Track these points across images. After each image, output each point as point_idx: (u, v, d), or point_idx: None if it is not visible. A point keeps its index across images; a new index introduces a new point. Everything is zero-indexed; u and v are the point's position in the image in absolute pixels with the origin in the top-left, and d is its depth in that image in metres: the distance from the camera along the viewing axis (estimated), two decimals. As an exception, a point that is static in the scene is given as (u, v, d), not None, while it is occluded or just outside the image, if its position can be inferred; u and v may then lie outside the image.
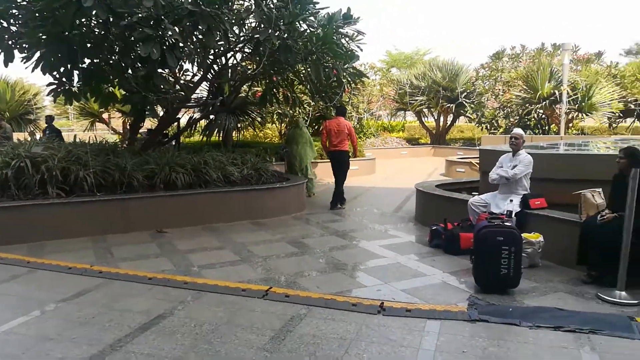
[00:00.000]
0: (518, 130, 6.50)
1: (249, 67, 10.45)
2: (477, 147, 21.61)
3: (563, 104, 18.58)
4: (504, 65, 23.41)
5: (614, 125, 22.71)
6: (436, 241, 6.34)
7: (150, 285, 4.69)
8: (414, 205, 8.57)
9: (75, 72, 7.95)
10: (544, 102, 19.38)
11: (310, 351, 3.25)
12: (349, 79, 9.71)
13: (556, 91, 19.09)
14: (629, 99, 20.72)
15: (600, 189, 5.47)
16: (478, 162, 13.96)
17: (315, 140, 11.91)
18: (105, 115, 17.81)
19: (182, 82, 9.76)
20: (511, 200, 6.17)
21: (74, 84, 8.11)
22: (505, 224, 4.74)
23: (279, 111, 13.84)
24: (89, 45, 7.59)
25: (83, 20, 7.34)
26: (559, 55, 21.82)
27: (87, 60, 7.88)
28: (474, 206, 6.49)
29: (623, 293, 4.32)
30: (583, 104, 19.23)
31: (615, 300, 4.28)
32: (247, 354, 3.22)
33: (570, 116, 19.90)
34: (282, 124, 15.26)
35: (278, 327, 3.66)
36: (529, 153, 6.33)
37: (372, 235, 7.04)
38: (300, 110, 14.09)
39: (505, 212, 5.87)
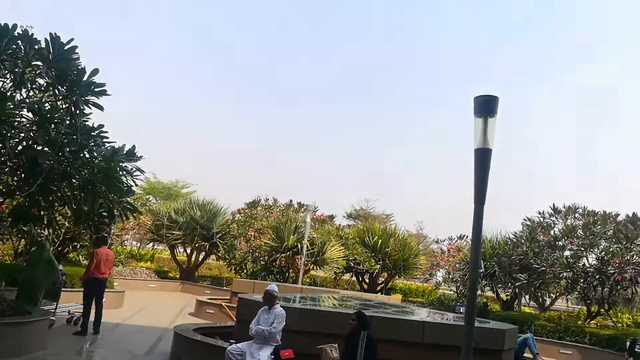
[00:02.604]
0: (273, 287, 7.52)
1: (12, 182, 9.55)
2: (226, 288, 22.67)
3: (303, 256, 21.32)
4: (258, 214, 25.96)
5: (338, 277, 26.70)
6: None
7: None
8: (167, 346, 8.58)
9: None
10: (288, 252, 21.91)
11: None
12: (122, 212, 9.74)
13: (298, 244, 21.90)
14: (350, 258, 24.94)
15: (336, 344, 6.68)
16: (228, 305, 14.74)
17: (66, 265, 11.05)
18: None
19: None
20: (265, 351, 6.93)
21: None
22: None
23: (24, 228, 12.43)
24: None
25: None
26: (303, 212, 25.44)
27: None
28: (231, 354, 7.00)
29: None
30: (318, 257, 22.41)
31: None
32: None
33: (306, 267, 22.79)
34: (22, 242, 13.58)
35: None
36: (282, 307, 7.34)
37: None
38: (50, 231, 12.92)
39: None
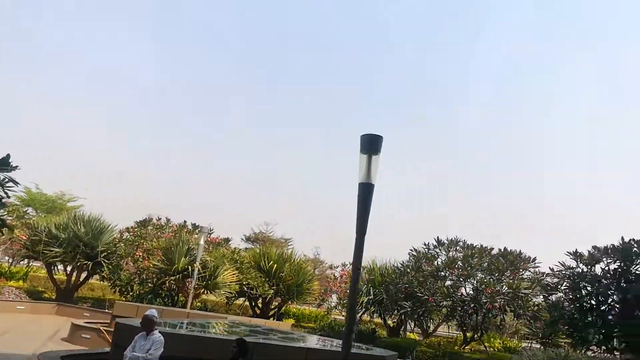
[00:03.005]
0: (152, 312, 7.24)
1: None
2: (108, 311, 21.22)
3: (193, 280, 20.65)
4: (148, 233, 24.78)
5: (231, 302, 26.17)
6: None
7: None
8: (29, 377, 7.84)
9: None
10: (178, 275, 21.11)
11: None
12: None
13: (189, 266, 21.20)
14: (244, 282, 24.62)
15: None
16: (107, 329, 13.81)
17: None
18: None
19: None
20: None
21: None
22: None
23: None
24: None
25: None
26: (197, 234, 24.73)
27: None
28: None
29: None
30: (209, 281, 21.83)
31: None
32: None
33: (197, 291, 22.09)
34: None
35: None
36: (161, 332, 7.07)
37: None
38: None
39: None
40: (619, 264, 15.17)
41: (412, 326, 26.06)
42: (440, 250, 20.73)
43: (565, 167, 72.92)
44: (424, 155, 79.40)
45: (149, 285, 21.73)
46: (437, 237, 21.06)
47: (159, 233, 25.17)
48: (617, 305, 15.22)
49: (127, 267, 22.93)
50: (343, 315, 25.79)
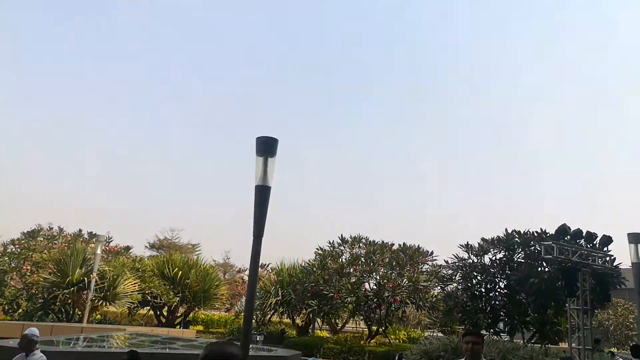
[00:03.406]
0: (33, 330, 6.64)
1: None
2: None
3: (90, 291, 19.38)
4: (37, 245, 22.86)
5: (133, 312, 24.94)
6: None
7: None
8: None
9: None
10: (73, 288, 19.69)
11: None
12: None
13: (86, 278, 19.87)
14: (147, 291, 23.56)
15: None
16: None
17: None
18: None
19: None
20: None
21: None
22: None
23: None
24: None
25: None
26: (94, 243, 23.24)
27: None
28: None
29: None
30: (109, 292, 20.61)
31: None
32: None
33: (95, 303, 20.76)
34: None
35: None
36: (43, 351, 6.55)
37: None
38: None
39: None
40: (504, 253, 16.60)
41: (321, 324, 26.57)
42: (344, 247, 21.32)
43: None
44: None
45: (40, 301, 20.08)
46: (341, 235, 21.66)
47: (50, 244, 23.34)
48: (504, 291, 16.66)
49: (13, 283, 21.01)
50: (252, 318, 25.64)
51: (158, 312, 25.13)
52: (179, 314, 25.73)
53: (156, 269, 24.61)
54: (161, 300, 23.15)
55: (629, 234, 11.41)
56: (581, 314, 12.28)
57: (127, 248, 25.87)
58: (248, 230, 6.91)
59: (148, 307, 25.04)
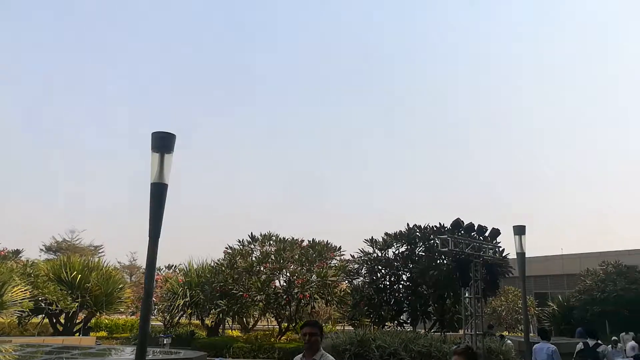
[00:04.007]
0: None
1: None
2: None
3: (-29, 301, 17.62)
4: None
5: (25, 322, 23.02)
6: None
7: None
8: None
9: None
10: (-51, 298, 17.76)
11: None
12: None
13: (-35, 286, 18.02)
14: (40, 298, 21.81)
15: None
16: None
17: None
18: None
19: None
20: None
21: None
22: None
23: None
24: None
25: None
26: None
27: None
28: None
29: None
30: (-5, 301, 18.85)
31: None
32: None
33: (-22, 314, 18.90)
34: None
35: None
36: None
37: None
38: None
39: None
40: (406, 247, 17.38)
41: (231, 323, 26.22)
42: (254, 245, 21.20)
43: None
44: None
45: None
46: (251, 233, 21.52)
47: None
48: (407, 284, 17.45)
49: None
50: (159, 320, 24.73)
51: (54, 320, 23.40)
52: (78, 321, 24.14)
53: (52, 274, 22.90)
54: (57, 306, 21.57)
55: (514, 227, 12.41)
56: (474, 302, 13.18)
57: (17, 252, 23.84)
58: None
59: (42, 315, 23.25)
